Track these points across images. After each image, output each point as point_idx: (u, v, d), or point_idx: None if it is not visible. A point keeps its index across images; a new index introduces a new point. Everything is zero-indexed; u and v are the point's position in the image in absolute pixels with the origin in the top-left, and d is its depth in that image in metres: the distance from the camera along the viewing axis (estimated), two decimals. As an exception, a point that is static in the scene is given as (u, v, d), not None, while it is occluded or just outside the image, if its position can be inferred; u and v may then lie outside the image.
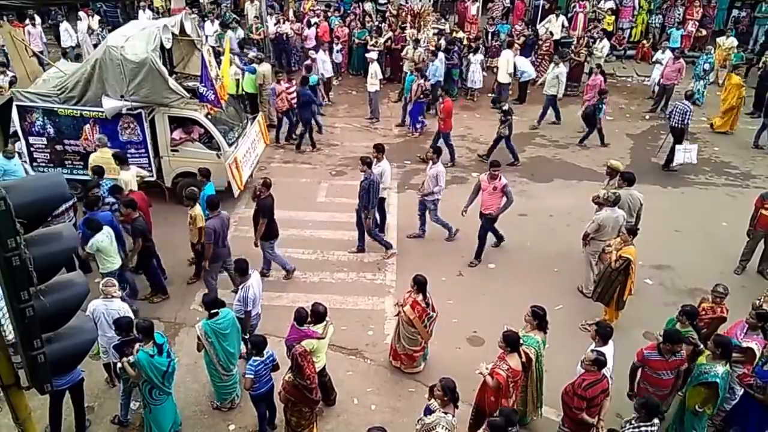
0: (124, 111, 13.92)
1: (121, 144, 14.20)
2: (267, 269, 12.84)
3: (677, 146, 17.30)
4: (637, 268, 11.28)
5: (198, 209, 11.73)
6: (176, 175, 14.84)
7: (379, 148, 13.52)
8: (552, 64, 20.40)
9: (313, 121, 18.52)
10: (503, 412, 7.65)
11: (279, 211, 14.69)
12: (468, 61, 21.94)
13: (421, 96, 18.54)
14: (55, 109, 14.14)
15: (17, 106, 14.06)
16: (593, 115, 18.65)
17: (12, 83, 16.41)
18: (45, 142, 14.44)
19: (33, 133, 14.35)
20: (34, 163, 14.62)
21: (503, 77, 20.96)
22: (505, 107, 17.34)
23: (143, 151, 14.38)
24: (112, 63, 13.57)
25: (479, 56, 21.68)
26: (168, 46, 14.85)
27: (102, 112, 13.90)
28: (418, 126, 19.31)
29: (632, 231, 11.09)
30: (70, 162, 14.61)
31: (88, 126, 14.16)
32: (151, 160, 14.49)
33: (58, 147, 14.47)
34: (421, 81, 18.66)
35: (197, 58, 15.88)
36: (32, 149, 14.49)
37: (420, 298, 10.01)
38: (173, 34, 14.97)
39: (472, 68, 21.77)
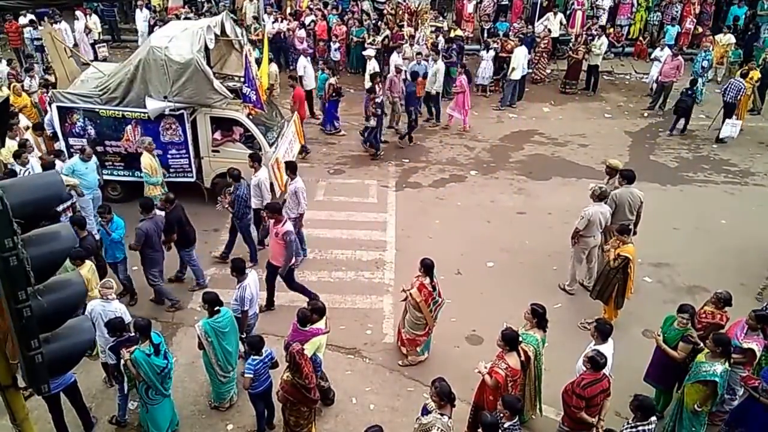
0: (166, 112, 13.86)
1: (162, 145, 14.13)
2: (182, 272, 12.77)
3: (727, 120, 18.73)
4: (637, 267, 11.26)
5: (86, 268, 9.99)
6: (216, 176, 14.68)
7: (254, 158, 13.10)
8: (432, 62, 20.04)
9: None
10: (506, 400, 7.68)
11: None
12: (480, 57, 21.97)
13: (333, 94, 18.43)
14: (97, 110, 14.02)
15: (58, 107, 14.01)
16: (690, 105, 19.24)
17: (47, 85, 16.30)
18: (85, 144, 14.20)
19: (73, 134, 14.23)
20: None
21: (517, 74, 20.89)
22: (378, 100, 17.31)
23: (184, 151, 14.27)
24: (155, 63, 13.47)
25: (491, 53, 21.60)
26: (212, 46, 14.77)
27: (144, 113, 13.82)
28: (337, 124, 19.18)
29: (625, 230, 11.03)
30: (110, 163, 14.46)
31: (129, 127, 14.06)
32: (192, 160, 14.38)
33: (99, 148, 14.27)
34: (333, 80, 18.58)
35: (235, 58, 15.98)
36: (72, 150, 14.29)
37: (427, 281, 10.08)
38: (215, 34, 14.92)
39: (483, 65, 21.78)
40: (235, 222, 12.86)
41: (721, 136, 18.91)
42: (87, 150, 12.98)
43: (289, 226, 11.22)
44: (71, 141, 14.28)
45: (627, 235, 10.99)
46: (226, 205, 12.63)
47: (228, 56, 16.28)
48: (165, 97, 13.69)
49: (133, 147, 14.13)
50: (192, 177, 14.52)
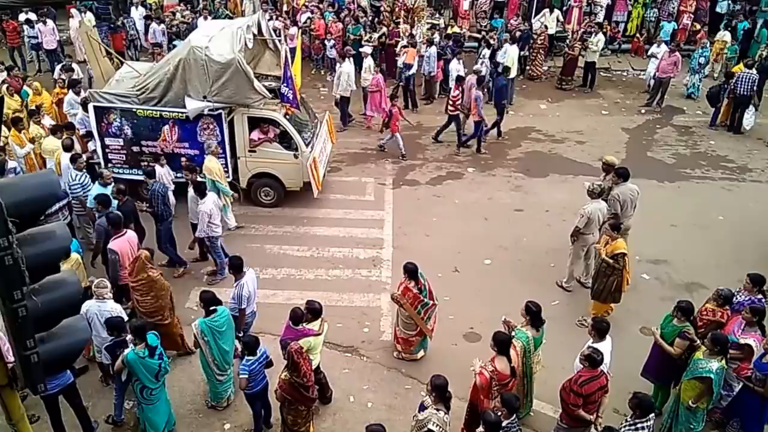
0: (205, 112, 13.81)
1: (199, 145, 14.11)
2: None
3: (747, 111, 19.26)
4: (633, 262, 11.26)
5: (71, 262, 9.96)
6: (251, 176, 14.66)
7: (189, 168, 12.66)
8: (338, 63, 19.80)
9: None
10: (504, 398, 7.69)
11: (274, 207, 14.69)
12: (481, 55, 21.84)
13: None
14: (134, 109, 13.95)
15: (94, 107, 13.94)
16: (718, 94, 19.61)
17: (70, 85, 16.22)
18: (121, 144, 14.25)
19: (109, 134, 14.17)
20: (109, 165, 14.39)
21: (511, 73, 20.73)
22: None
23: (221, 151, 14.10)
24: (196, 63, 13.38)
25: (487, 51, 21.51)
26: (251, 46, 14.72)
27: (182, 112, 13.78)
28: None
29: (616, 227, 11.01)
30: (146, 164, 14.33)
31: (167, 127, 14.01)
32: (228, 160, 14.29)
33: (135, 148, 14.28)
34: None
35: (268, 58, 15.93)
36: (107, 151, 14.31)
37: (412, 284, 10.09)
38: (253, 33, 14.88)
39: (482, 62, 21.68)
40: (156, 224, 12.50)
41: (747, 127, 19.39)
42: (105, 173, 12.58)
43: (116, 243, 10.50)
44: (107, 141, 14.25)
45: (617, 231, 10.95)
46: (145, 207, 12.31)
47: (262, 55, 16.14)
48: (204, 97, 13.63)
49: (170, 147, 14.16)
50: (228, 177, 14.28)
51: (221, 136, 14.08)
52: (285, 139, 14.49)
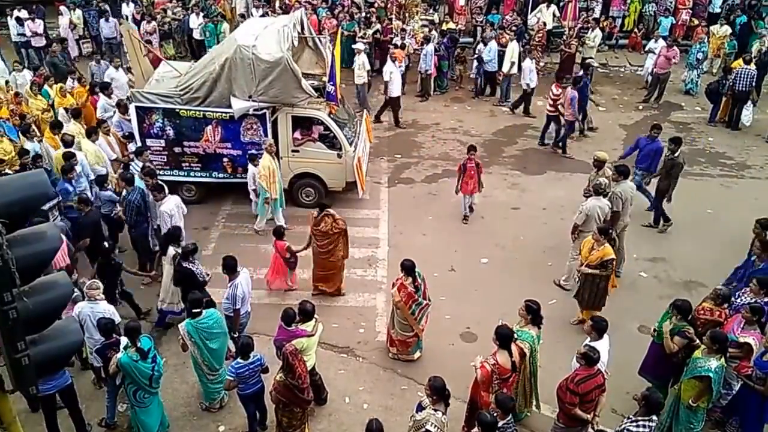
0: (250, 111, 13.68)
1: (242, 145, 14.01)
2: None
3: (745, 107, 19.20)
4: (630, 260, 11.17)
5: None
6: (293, 176, 14.53)
7: (148, 173, 12.44)
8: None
9: None
10: (499, 399, 7.64)
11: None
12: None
13: None
14: (177, 110, 13.80)
15: (136, 107, 13.82)
16: (717, 91, 19.55)
17: (97, 88, 16.08)
18: (163, 145, 14.12)
19: (151, 135, 14.04)
20: None
21: (513, 68, 20.68)
22: None
23: (264, 152, 13.83)
24: (242, 62, 13.26)
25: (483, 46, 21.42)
26: (296, 44, 14.60)
27: (226, 113, 13.67)
28: None
29: (604, 231, 10.91)
30: (187, 164, 14.30)
31: (209, 127, 13.90)
32: None
33: (177, 149, 14.15)
34: None
35: (308, 56, 15.86)
36: (148, 152, 14.05)
37: (408, 281, 10.03)
38: (297, 32, 14.79)
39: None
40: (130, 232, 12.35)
41: (747, 124, 19.29)
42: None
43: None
44: (149, 142, 14.09)
45: (605, 236, 10.84)
46: (120, 213, 12.13)
47: (301, 53, 15.96)
48: (249, 97, 13.50)
49: (212, 148, 14.06)
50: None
51: (265, 136, 13.95)
52: (327, 139, 14.35)
